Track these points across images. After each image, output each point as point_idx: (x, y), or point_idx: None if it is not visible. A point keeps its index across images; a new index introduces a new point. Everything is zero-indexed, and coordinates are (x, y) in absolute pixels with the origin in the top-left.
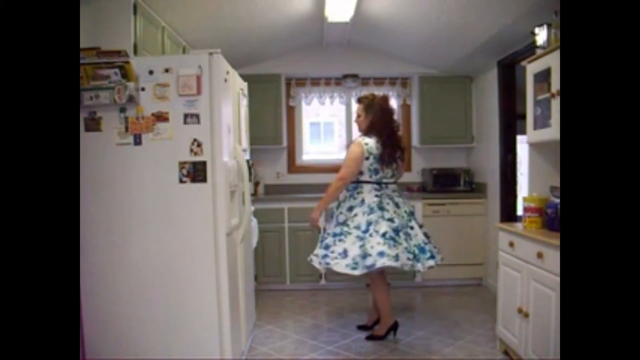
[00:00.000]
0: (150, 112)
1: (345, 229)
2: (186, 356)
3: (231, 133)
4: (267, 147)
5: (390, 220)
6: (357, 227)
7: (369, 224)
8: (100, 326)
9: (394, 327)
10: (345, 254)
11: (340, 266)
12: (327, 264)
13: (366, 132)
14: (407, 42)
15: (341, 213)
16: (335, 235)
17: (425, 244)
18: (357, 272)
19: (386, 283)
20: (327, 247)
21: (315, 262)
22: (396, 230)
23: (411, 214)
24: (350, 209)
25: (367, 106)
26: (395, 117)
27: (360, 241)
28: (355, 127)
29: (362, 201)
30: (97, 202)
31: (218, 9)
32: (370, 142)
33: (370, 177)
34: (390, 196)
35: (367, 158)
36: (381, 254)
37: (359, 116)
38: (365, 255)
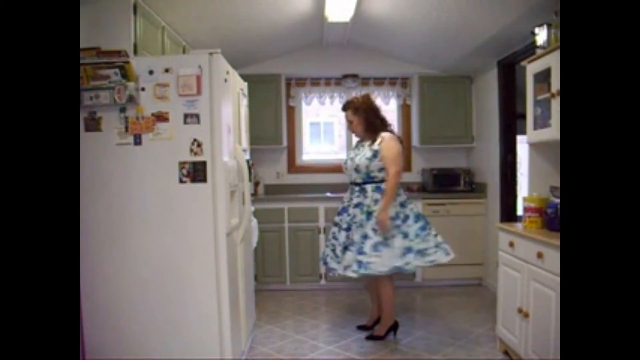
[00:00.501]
0: (150, 112)
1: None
2: (186, 356)
3: (231, 133)
4: (267, 147)
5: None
6: (417, 218)
7: (424, 217)
8: (100, 326)
9: (394, 327)
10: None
11: (415, 263)
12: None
13: (367, 133)
14: (407, 42)
15: (398, 213)
16: (417, 234)
17: None
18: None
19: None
20: (409, 249)
21: (383, 269)
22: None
23: None
24: (403, 204)
25: (355, 109)
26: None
27: (424, 230)
28: None
29: (405, 195)
30: (97, 202)
31: (218, 9)
32: None
33: None
34: None
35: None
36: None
37: (351, 122)
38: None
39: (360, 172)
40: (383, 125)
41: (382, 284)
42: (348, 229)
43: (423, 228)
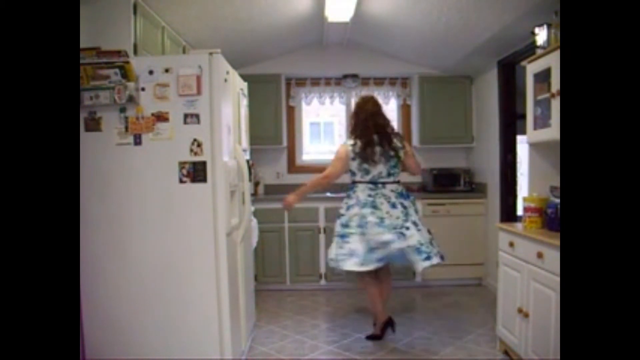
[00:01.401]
0: (150, 112)
1: (347, 230)
2: (186, 356)
3: (231, 133)
4: (267, 147)
5: (381, 219)
6: (359, 226)
7: (363, 217)
8: (100, 326)
9: (390, 324)
10: (352, 253)
11: (348, 264)
12: (338, 264)
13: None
14: (407, 42)
15: (342, 215)
16: (341, 237)
17: (422, 244)
18: (369, 268)
19: (375, 279)
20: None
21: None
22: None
23: (407, 214)
24: (349, 208)
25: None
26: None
27: (363, 236)
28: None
29: (358, 199)
30: (97, 202)
31: (218, 9)
32: (357, 143)
33: (362, 177)
34: (386, 196)
35: (354, 159)
36: (386, 243)
37: None
38: (373, 249)
39: None
40: (354, 131)
41: (363, 285)
42: None
43: (344, 235)
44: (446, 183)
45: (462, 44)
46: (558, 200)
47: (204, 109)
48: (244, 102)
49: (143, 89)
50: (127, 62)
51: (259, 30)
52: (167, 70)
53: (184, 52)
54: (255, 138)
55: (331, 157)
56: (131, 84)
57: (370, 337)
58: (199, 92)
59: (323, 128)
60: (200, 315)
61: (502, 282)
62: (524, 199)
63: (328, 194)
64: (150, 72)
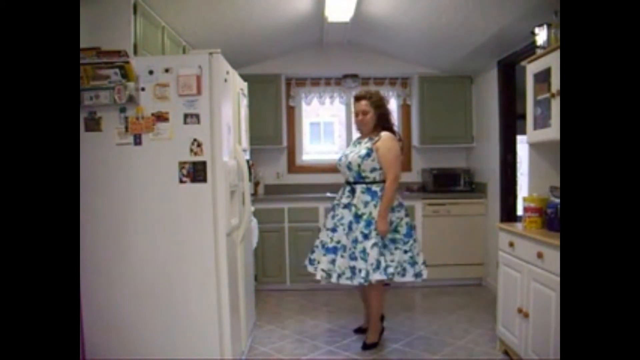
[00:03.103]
0: (150, 112)
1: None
2: (186, 356)
3: (231, 133)
4: (267, 147)
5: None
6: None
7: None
8: (100, 326)
9: (381, 319)
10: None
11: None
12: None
13: (373, 130)
14: (407, 42)
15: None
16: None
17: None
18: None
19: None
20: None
21: (379, 277)
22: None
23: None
24: (392, 210)
25: (374, 102)
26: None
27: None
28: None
29: (399, 201)
30: (97, 203)
31: (218, 9)
32: (399, 136)
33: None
34: None
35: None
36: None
37: (365, 113)
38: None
39: (352, 171)
40: (389, 126)
41: (373, 289)
42: (333, 230)
43: (412, 238)
44: (446, 183)
45: (462, 43)
46: (558, 200)
47: (204, 109)
48: (244, 102)
49: (143, 89)
50: (127, 62)
51: (259, 30)
52: (167, 70)
53: (184, 52)
54: (255, 138)
55: (331, 157)
56: (131, 84)
57: (365, 347)
58: (199, 92)
59: (323, 128)
60: (200, 316)
61: (502, 282)
62: (524, 199)
63: (328, 194)
64: (150, 72)
